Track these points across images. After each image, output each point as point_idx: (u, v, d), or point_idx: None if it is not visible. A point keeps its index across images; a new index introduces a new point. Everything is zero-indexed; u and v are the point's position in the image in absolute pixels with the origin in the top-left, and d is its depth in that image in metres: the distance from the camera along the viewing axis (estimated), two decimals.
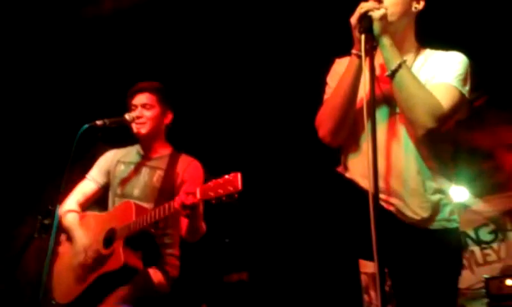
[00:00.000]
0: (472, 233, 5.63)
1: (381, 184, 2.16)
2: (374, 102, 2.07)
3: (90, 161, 3.52)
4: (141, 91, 3.31)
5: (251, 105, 5.24)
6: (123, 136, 3.36)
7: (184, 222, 3.06)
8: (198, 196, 2.67)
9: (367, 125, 2.05)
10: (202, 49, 4.86)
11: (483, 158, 5.33)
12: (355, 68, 2.28)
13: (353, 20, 2.23)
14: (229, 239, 5.84)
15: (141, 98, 3.29)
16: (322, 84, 2.55)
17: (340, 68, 2.41)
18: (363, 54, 2.15)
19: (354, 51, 2.29)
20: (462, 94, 2.26)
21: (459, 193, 5.20)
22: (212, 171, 2.94)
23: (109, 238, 3.02)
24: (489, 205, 5.50)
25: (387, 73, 2.23)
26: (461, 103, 2.27)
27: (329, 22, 4.20)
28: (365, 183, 2.23)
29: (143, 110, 3.27)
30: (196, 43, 4.82)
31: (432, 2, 2.38)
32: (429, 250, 2.26)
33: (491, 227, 5.57)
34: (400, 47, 2.31)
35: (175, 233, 3.22)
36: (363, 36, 2.17)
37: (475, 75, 2.38)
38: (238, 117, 5.33)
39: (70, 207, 3.31)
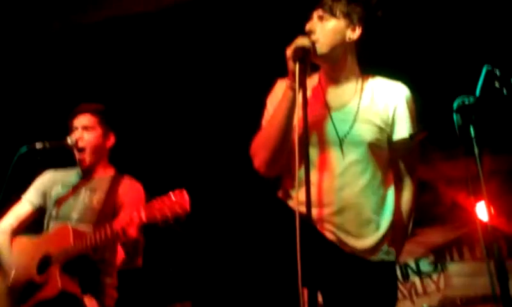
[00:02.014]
0: (412, 264, 5.72)
1: (326, 212, 2.17)
2: (307, 135, 2.06)
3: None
4: (83, 112, 3.25)
5: (195, 125, 5.18)
6: (65, 161, 3.28)
7: (121, 250, 2.99)
8: (143, 218, 2.54)
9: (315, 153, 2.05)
10: (145, 71, 4.82)
11: (424, 190, 5.45)
12: (289, 101, 2.25)
13: (289, 51, 2.22)
14: (173, 268, 5.74)
15: (82, 120, 3.23)
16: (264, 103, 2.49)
17: (281, 91, 2.39)
18: (297, 85, 2.13)
19: (288, 83, 2.27)
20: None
21: None
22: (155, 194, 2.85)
23: (43, 264, 2.90)
24: (429, 236, 5.61)
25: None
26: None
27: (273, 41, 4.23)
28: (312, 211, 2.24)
29: (84, 132, 3.20)
30: (139, 64, 4.79)
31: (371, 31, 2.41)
32: (367, 282, 2.27)
33: (431, 258, 5.68)
34: (342, 76, 2.34)
35: (113, 260, 3.11)
36: (297, 65, 2.15)
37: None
38: (180, 138, 5.26)
39: (0, 229, 3.17)
